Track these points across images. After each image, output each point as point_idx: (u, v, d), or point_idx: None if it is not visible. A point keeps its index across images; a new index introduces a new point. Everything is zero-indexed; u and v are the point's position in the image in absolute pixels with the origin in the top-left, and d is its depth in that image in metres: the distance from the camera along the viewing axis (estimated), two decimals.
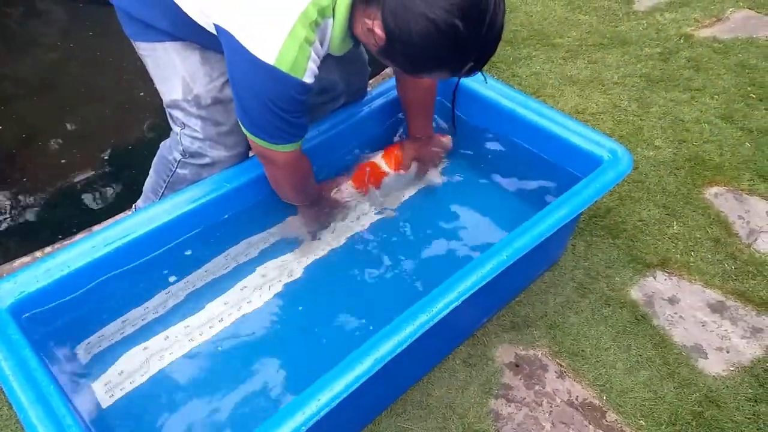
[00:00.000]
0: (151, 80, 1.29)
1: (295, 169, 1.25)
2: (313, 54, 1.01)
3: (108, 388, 1.20)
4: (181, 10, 1.11)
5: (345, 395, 0.96)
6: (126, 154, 2.11)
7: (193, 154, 1.29)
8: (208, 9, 1.07)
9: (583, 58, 2.27)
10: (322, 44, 1.04)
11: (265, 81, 1.01)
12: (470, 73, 1.01)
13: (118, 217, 1.68)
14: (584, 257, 1.60)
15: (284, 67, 0.98)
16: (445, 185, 1.60)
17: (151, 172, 1.40)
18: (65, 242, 1.66)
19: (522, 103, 1.51)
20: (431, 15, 0.90)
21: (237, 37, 1.00)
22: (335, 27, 1.02)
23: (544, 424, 1.30)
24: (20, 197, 1.94)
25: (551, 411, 1.32)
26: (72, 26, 2.65)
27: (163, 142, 1.37)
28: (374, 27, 0.96)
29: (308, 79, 1.03)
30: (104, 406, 1.17)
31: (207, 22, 1.09)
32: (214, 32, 1.08)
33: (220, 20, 1.03)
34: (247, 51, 0.99)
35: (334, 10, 1.00)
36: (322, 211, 1.46)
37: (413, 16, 0.90)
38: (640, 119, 2.01)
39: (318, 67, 1.06)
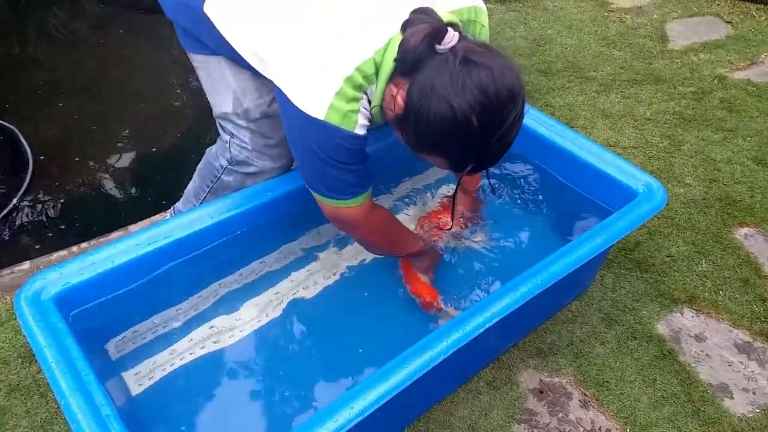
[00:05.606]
0: (192, 89, 1.32)
1: (370, 225, 1.23)
2: (362, 109, 1.03)
3: (138, 378, 1.23)
4: (235, 50, 1.15)
5: (380, 404, 0.98)
6: (160, 159, 2.16)
7: (240, 163, 1.33)
8: (261, 52, 1.10)
9: (616, 92, 2.29)
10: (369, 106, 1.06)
11: (318, 134, 1.03)
12: (470, 171, 1.03)
13: (156, 218, 1.71)
14: (612, 289, 1.61)
15: (334, 121, 1.01)
16: None
17: (195, 176, 1.43)
18: (101, 239, 1.69)
19: (560, 133, 1.53)
20: (454, 102, 0.92)
21: (288, 95, 1.03)
22: (376, 94, 1.04)
23: None
24: (59, 194, 1.99)
25: None
26: (115, 30, 2.73)
27: (209, 149, 1.40)
28: (397, 95, 0.99)
29: (360, 131, 1.05)
30: (134, 393, 1.20)
31: (261, 67, 1.13)
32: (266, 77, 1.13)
33: (273, 76, 1.07)
34: (298, 108, 1.02)
35: (377, 78, 1.03)
36: (429, 257, 1.45)
37: (437, 97, 0.93)
38: (672, 156, 2.02)
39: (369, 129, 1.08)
